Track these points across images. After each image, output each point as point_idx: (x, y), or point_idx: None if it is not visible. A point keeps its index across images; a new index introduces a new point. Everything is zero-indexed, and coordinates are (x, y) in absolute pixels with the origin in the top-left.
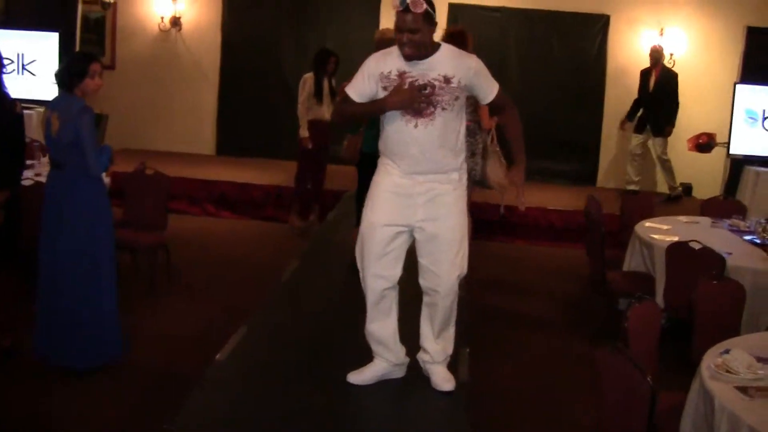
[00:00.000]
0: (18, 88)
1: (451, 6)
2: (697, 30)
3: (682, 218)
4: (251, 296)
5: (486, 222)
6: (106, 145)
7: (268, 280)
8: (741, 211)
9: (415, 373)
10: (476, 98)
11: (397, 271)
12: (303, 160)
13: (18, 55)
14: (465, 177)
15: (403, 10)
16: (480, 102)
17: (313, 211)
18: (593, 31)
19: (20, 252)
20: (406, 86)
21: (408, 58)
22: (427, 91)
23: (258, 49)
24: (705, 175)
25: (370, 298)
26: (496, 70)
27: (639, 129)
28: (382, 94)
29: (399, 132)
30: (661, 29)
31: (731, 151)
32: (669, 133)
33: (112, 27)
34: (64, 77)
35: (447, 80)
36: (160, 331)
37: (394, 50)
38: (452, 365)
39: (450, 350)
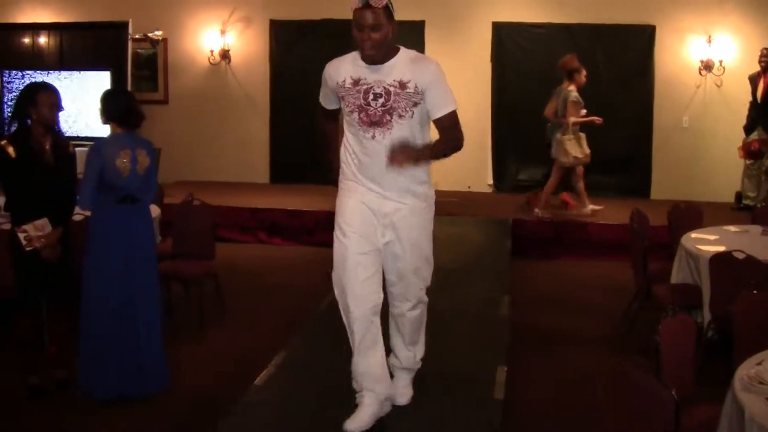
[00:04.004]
0: (73, 126)
1: (495, 24)
2: (745, 36)
3: (732, 228)
4: (300, 322)
5: (537, 240)
6: None
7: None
8: None
9: (447, 393)
10: (426, 111)
11: (379, 294)
12: None
13: (72, 94)
14: (431, 192)
15: (362, 7)
16: (429, 116)
17: None
18: (639, 42)
19: (72, 287)
20: (356, 90)
21: (369, 59)
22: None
23: (306, 78)
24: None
25: (357, 328)
26: (543, 86)
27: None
28: (342, 104)
29: (357, 143)
30: (709, 37)
31: None
32: None
33: (164, 63)
34: (137, 117)
35: (402, 85)
36: (207, 359)
37: (348, 57)
38: (488, 383)
39: (420, 355)
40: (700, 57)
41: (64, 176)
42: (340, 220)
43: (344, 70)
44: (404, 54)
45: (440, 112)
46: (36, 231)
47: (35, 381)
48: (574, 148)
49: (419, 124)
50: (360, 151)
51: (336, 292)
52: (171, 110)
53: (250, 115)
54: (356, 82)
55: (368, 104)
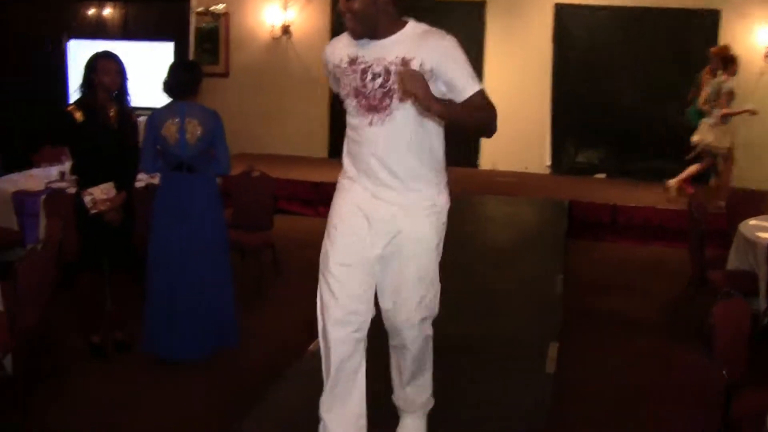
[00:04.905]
0: (137, 96)
1: (557, 6)
2: None
3: None
4: None
5: (593, 223)
6: None
7: None
8: None
9: (500, 366)
10: (451, 95)
11: (362, 316)
12: None
13: (136, 64)
14: (442, 199)
15: None
16: (455, 99)
17: None
18: (702, 27)
19: (133, 251)
20: (352, 71)
21: (354, 35)
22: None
23: None
24: None
25: (332, 359)
26: (603, 68)
27: None
28: (338, 86)
29: (354, 130)
30: None
31: None
32: None
33: (225, 36)
34: (193, 85)
35: (405, 62)
36: (263, 327)
37: (347, 33)
38: (540, 358)
39: (422, 399)
40: (765, 43)
41: (128, 143)
42: (329, 222)
43: (340, 49)
44: (412, 28)
45: (462, 96)
46: (101, 194)
47: (96, 340)
48: (708, 134)
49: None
50: (356, 141)
51: (317, 306)
52: (231, 83)
53: (309, 89)
54: (353, 61)
55: (365, 86)
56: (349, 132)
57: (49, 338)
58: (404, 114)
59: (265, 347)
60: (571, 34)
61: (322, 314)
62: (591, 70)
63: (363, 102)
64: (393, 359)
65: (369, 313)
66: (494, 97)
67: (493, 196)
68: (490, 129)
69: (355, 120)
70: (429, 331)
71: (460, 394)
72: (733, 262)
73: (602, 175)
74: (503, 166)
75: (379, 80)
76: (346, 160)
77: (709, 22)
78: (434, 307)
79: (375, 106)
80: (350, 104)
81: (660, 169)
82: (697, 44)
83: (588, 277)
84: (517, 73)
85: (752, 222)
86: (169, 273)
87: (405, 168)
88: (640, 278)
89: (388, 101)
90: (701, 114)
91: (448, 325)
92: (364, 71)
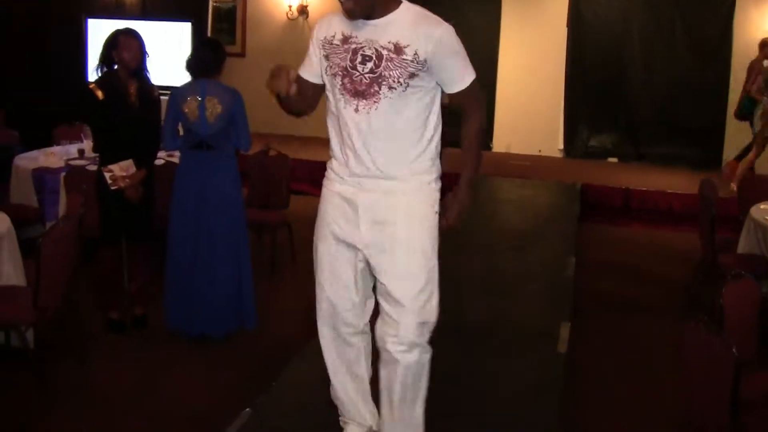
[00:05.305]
0: (155, 74)
1: None
2: None
3: None
4: None
5: (604, 206)
6: None
7: None
8: None
9: (513, 345)
10: (440, 85)
11: (355, 311)
12: None
13: (153, 44)
14: (434, 189)
15: None
16: (443, 89)
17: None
18: (718, 13)
19: (153, 228)
20: (344, 50)
21: (351, 15)
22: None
23: None
24: None
25: (326, 354)
26: (617, 53)
27: None
28: (324, 64)
29: (338, 116)
30: None
31: None
32: None
33: (243, 16)
34: (215, 64)
35: (398, 49)
36: (279, 304)
37: (340, 12)
38: (553, 337)
39: None
40: None
41: (149, 120)
42: (318, 216)
43: (336, 24)
44: (406, 10)
45: (456, 87)
46: (121, 171)
47: (115, 316)
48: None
49: (418, 99)
50: (339, 126)
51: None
52: (248, 63)
53: None
54: (346, 40)
55: (354, 68)
56: (332, 119)
57: (69, 313)
58: (393, 102)
59: (282, 325)
60: (586, 19)
61: (316, 309)
62: (605, 55)
63: (349, 85)
64: (382, 382)
65: (361, 306)
66: (509, 81)
67: (506, 179)
68: (483, 133)
69: (340, 103)
70: (422, 341)
71: (473, 372)
72: (744, 246)
73: (614, 160)
74: (516, 149)
75: (370, 65)
76: (331, 150)
77: (724, 7)
78: (433, 312)
79: (362, 92)
80: (335, 85)
81: (672, 154)
82: (712, 31)
83: (600, 259)
84: (531, 57)
85: (763, 206)
86: (188, 250)
87: (390, 156)
88: (652, 261)
89: (376, 87)
90: (754, 103)
91: (461, 305)
92: (355, 51)
